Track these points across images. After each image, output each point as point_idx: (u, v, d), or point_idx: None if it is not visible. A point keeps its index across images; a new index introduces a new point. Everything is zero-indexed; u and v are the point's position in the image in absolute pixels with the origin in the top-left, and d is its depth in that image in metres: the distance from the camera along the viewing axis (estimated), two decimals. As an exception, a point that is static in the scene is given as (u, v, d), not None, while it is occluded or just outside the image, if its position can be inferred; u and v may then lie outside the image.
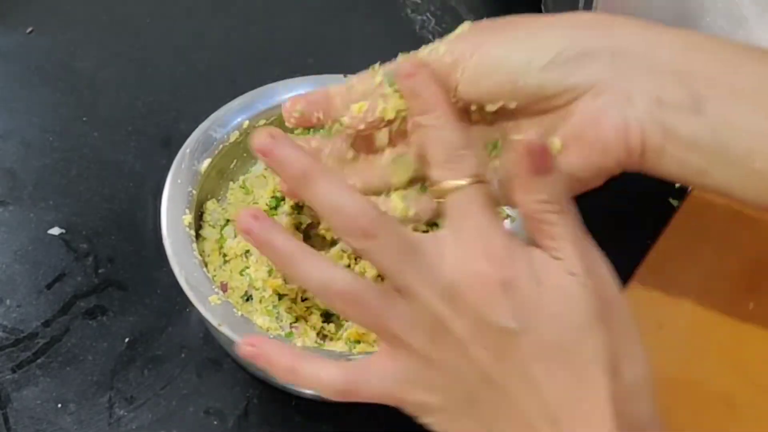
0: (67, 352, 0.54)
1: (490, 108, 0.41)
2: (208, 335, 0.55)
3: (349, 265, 0.52)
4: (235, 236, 0.53)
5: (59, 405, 0.52)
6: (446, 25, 0.74)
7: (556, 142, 0.40)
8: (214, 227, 0.54)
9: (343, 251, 0.52)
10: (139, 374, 0.54)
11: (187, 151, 0.53)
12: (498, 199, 0.41)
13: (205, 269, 0.49)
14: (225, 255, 0.53)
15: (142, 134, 0.65)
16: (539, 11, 0.71)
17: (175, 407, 0.53)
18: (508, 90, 0.40)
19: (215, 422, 0.52)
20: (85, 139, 0.64)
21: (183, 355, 0.55)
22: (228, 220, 0.54)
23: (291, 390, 0.52)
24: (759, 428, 0.52)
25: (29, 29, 0.71)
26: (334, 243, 0.52)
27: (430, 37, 0.73)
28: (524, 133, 0.41)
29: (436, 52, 0.41)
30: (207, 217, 0.54)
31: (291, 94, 0.55)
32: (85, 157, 0.63)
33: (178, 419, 0.52)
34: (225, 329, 0.46)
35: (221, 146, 0.54)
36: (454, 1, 0.76)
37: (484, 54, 0.39)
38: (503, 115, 0.41)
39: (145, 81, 0.68)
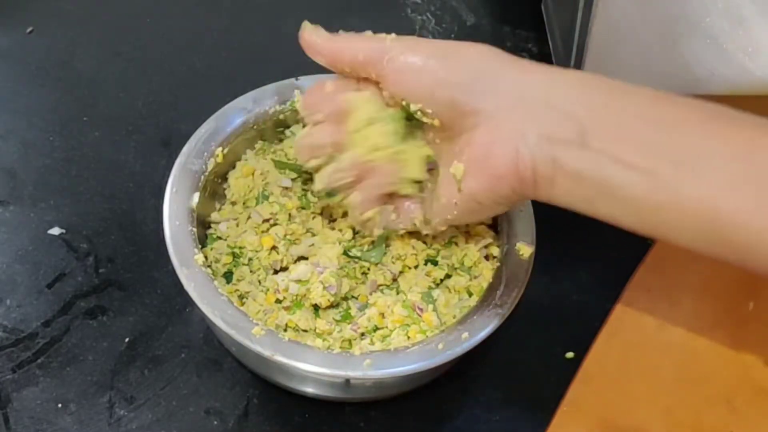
0: (67, 352, 0.54)
1: (413, 108, 0.46)
2: (208, 335, 0.55)
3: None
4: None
5: (59, 405, 0.52)
6: (446, 25, 0.74)
7: (460, 168, 0.45)
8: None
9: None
10: (139, 374, 0.54)
11: (188, 150, 0.53)
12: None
13: (235, 305, 0.48)
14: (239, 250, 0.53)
15: (142, 134, 0.65)
16: (539, 11, 0.71)
17: (175, 407, 0.53)
18: (426, 95, 0.45)
19: (215, 422, 0.52)
20: (85, 139, 0.64)
21: (183, 355, 0.55)
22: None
23: (291, 390, 0.52)
24: (759, 428, 0.52)
25: (29, 29, 0.71)
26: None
27: (430, 37, 0.73)
28: (444, 157, 0.47)
29: (382, 36, 0.46)
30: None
31: (291, 94, 0.56)
32: (86, 156, 0.63)
33: (178, 419, 0.52)
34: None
35: (221, 148, 0.54)
36: (454, 1, 0.76)
37: (412, 55, 0.45)
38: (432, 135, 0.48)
39: (145, 81, 0.68)
